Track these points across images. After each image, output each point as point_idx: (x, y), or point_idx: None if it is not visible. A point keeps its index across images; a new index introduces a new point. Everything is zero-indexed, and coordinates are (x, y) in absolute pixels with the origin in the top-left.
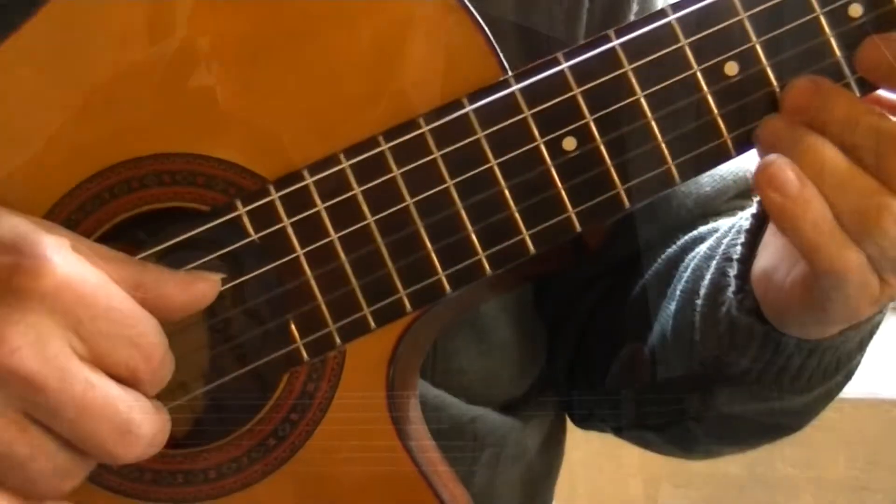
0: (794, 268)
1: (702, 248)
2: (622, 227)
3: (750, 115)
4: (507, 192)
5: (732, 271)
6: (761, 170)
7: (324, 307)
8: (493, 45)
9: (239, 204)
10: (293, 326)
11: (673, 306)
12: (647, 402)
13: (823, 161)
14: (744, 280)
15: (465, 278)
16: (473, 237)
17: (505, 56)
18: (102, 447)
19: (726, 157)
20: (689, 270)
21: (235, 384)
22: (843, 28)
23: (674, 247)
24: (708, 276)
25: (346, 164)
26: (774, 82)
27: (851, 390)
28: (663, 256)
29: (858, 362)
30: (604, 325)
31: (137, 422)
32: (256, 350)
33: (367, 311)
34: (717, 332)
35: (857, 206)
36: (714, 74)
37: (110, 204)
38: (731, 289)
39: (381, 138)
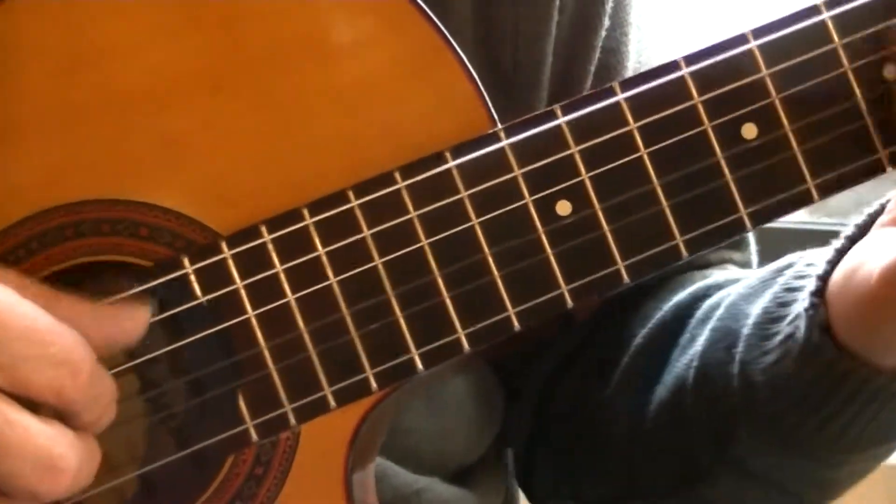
0: (886, 253)
1: (734, 290)
2: None
3: (770, 184)
4: (490, 261)
5: (809, 287)
6: None
7: (278, 382)
8: (482, 93)
9: (186, 261)
10: (242, 403)
11: (694, 350)
12: (651, 464)
13: None
14: (819, 297)
15: (440, 356)
16: (451, 310)
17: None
18: (25, 487)
19: (741, 231)
20: (723, 309)
21: (172, 464)
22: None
23: (682, 294)
24: (759, 305)
25: (309, 220)
26: (796, 146)
27: None
28: (671, 304)
29: None
30: (575, 385)
31: (60, 455)
32: (199, 428)
33: (327, 390)
34: (766, 363)
35: None
36: (730, 136)
37: (40, 254)
38: (804, 304)
39: (350, 193)
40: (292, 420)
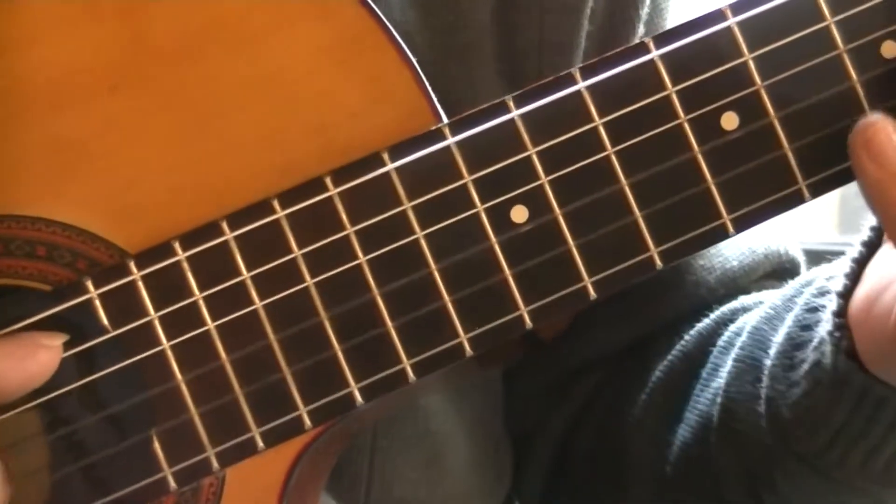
0: None
1: (757, 313)
2: (616, 310)
3: (752, 184)
4: (438, 278)
5: (831, 306)
6: (860, 130)
7: (198, 422)
8: (424, 83)
9: (90, 284)
10: (158, 447)
11: (717, 383)
12: None
13: None
14: (842, 318)
15: (382, 388)
16: (394, 336)
17: (480, 79)
18: None
19: (722, 236)
20: (746, 336)
21: None
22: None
23: (705, 322)
24: (782, 332)
25: (229, 235)
26: (786, 142)
27: None
28: (693, 332)
29: None
30: (597, 430)
31: None
32: (112, 475)
33: (255, 430)
34: (794, 396)
35: None
36: (708, 127)
37: None
38: (827, 327)
39: (275, 203)
40: (215, 464)
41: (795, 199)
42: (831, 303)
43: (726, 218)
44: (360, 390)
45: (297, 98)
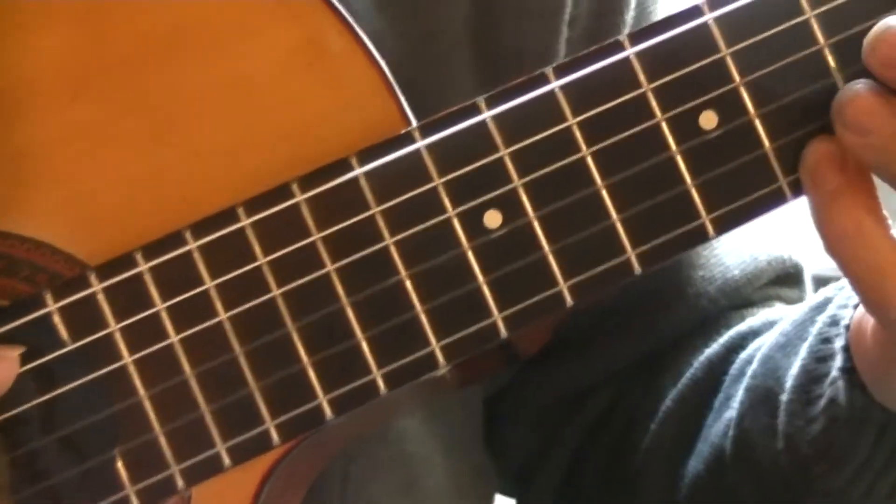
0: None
1: (768, 339)
2: (617, 324)
3: (733, 184)
4: (409, 285)
5: (840, 341)
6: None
7: (162, 439)
8: (393, 86)
9: (49, 298)
10: (121, 465)
11: (729, 414)
12: None
13: None
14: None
15: (354, 400)
16: (365, 346)
17: (457, 89)
18: None
19: (702, 239)
20: (757, 364)
21: None
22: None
23: (714, 346)
24: (796, 364)
25: (193, 244)
26: (766, 141)
27: None
28: (702, 358)
29: None
30: (609, 453)
31: None
32: (73, 495)
33: (220, 446)
34: (813, 432)
35: None
36: (686, 126)
37: None
38: (838, 364)
39: (240, 210)
40: (180, 482)
41: (777, 199)
42: (840, 336)
43: (706, 219)
44: (330, 403)
45: (263, 103)
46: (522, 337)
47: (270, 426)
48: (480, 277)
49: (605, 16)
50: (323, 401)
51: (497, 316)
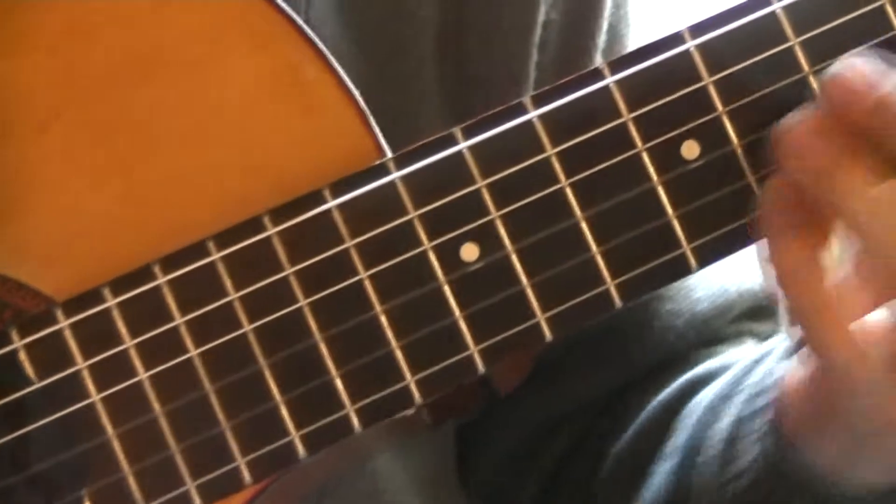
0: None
1: (713, 388)
2: (586, 355)
3: (715, 216)
4: (384, 320)
5: (768, 396)
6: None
7: (130, 478)
8: (366, 115)
9: (14, 334)
10: None
11: (667, 466)
12: None
13: None
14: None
15: (326, 438)
16: (339, 382)
17: (425, 111)
18: None
19: (685, 272)
20: (696, 416)
21: None
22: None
23: (670, 389)
24: (729, 417)
25: (162, 279)
26: (748, 171)
27: None
28: (657, 401)
29: None
30: (573, 489)
31: None
32: None
33: (190, 484)
34: (737, 489)
35: None
36: (668, 156)
37: None
38: (762, 422)
39: (211, 244)
40: None
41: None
42: (769, 392)
43: (687, 250)
44: (303, 441)
45: (235, 131)
46: (501, 373)
47: (242, 464)
48: (457, 311)
49: (577, 40)
50: (296, 438)
51: (474, 350)
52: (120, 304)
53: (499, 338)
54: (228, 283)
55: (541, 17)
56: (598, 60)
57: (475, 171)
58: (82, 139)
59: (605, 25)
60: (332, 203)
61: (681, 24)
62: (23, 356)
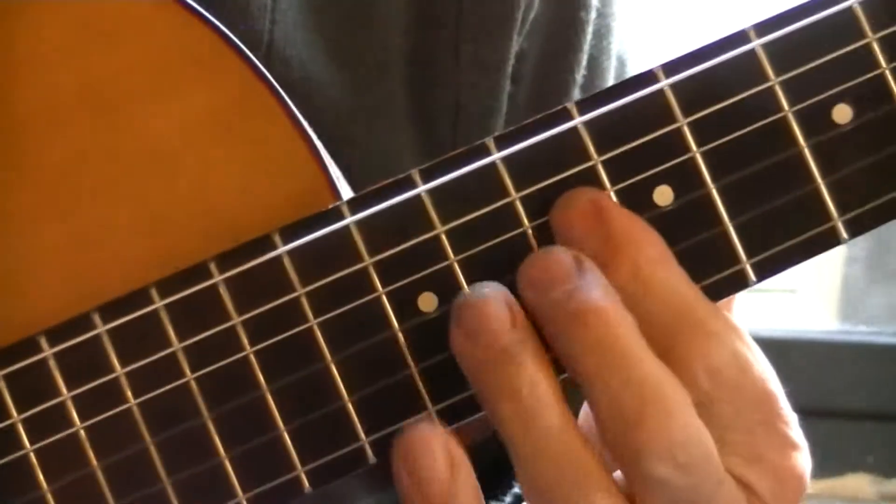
0: None
1: None
2: None
3: (690, 265)
4: (335, 372)
5: None
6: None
7: None
8: (320, 155)
9: None
10: None
11: None
12: None
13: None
14: None
15: (273, 499)
16: (287, 439)
17: (394, 140)
18: None
19: None
20: None
21: None
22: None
23: None
24: None
25: (102, 328)
26: (725, 216)
27: None
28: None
29: None
30: None
31: None
32: None
33: None
34: None
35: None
36: (639, 200)
37: None
38: None
39: (153, 291)
40: None
41: (740, 283)
42: None
43: None
44: (249, 502)
45: (178, 173)
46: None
47: None
48: (412, 365)
49: (555, 73)
50: (242, 499)
51: (431, 408)
52: (56, 355)
53: (457, 398)
54: (171, 332)
55: (514, 48)
56: (577, 95)
57: (434, 216)
58: (15, 184)
59: (584, 59)
60: (282, 249)
61: (663, 55)
62: None
